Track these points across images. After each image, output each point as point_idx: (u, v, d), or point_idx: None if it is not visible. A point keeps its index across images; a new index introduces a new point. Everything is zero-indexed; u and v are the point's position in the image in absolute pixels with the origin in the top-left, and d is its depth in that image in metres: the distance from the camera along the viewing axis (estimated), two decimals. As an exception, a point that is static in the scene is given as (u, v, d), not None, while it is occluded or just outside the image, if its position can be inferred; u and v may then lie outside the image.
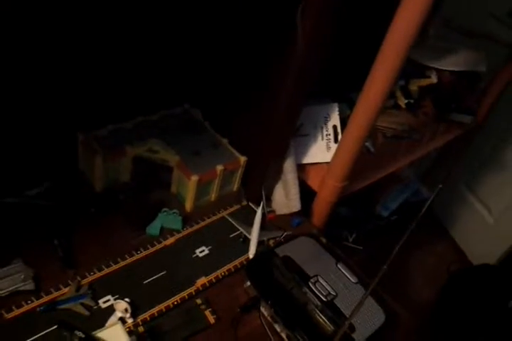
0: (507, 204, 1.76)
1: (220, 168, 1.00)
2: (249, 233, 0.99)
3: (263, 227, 1.02)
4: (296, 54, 0.80)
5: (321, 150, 1.09)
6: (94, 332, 0.68)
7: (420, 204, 1.67)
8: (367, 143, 1.17)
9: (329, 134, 1.09)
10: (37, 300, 0.79)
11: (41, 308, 0.78)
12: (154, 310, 0.82)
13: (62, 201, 0.95)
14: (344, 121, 1.13)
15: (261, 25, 0.88)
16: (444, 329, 1.72)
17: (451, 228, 2.06)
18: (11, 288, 0.79)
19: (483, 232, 1.91)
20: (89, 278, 0.85)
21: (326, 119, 1.10)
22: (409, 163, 1.25)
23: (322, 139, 1.09)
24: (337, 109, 1.09)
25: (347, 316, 0.84)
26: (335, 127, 1.09)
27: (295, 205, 1.05)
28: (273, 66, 0.86)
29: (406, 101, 1.32)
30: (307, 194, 1.10)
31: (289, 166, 1.04)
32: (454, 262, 1.98)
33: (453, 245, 2.05)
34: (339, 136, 1.08)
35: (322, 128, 1.10)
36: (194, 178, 0.96)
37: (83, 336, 0.66)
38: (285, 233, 1.01)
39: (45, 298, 0.80)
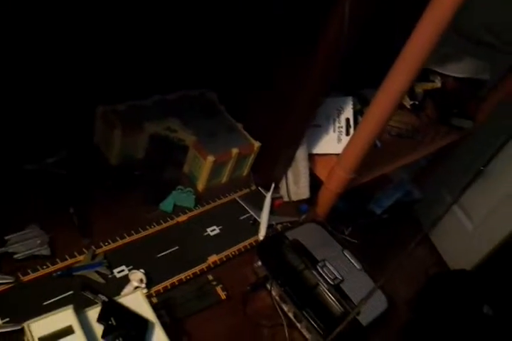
0: (487, 211, 1.82)
1: (235, 150, 1.02)
2: (259, 216, 1.01)
3: (271, 212, 1.04)
4: (330, 39, 0.82)
5: (332, 142, 1.12)
6: (115, 298, 0.70)
7: (411, 204, 1.73)
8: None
9: (341, 127, 1.12)
10: (52, 265, 0.80)
11: (57, 273, 0.78)
12: (167, 283, 0.84)
13: (78, 171, 0.96)
14: (355, 115, 1.17)
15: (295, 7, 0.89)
16: (418, 330, 1.77)
17: (431, 233, 2.11)
18: (27, 252, 0.79)
19: (462, 238, 1.96)
20: (104, 248, 0.85)
21: (340, 112, 1.13)
22: (412, 161, 1.29)
23: (334, 131, 1.12)
24: (351, 102, 1.12)
25: (352, 300, 0.87)
26: (347, 120, 1.12)
27: (304, 193, 1.08)
28: (303, 53, 0.88)
29: (411, 102, 1.36)
30: (312, 184, 1.13)
31: (301, 155, 1.07)
32: (432, 266, 2.05)
33: (432, 249, 2.11)
34: (351, 129, 1.11)
35: (335, 120, 1.13)
36: (210, 158, 0.98)
37: (106, 299, 0.67)
38: (302, 217, 1.04)
39: (61, 264, 0.80)
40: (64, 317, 0.63)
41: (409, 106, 1.38)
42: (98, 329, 0.65)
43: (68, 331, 0.62)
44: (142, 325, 0.67)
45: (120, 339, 0.63)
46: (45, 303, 0.74)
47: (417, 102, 1.36)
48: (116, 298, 0.70)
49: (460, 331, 1.77)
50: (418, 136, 1.33)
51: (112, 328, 0.64)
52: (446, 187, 1.99)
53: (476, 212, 1.89)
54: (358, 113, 1.18)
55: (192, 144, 1.02)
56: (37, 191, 0.90)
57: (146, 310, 0.70)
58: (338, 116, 1.13)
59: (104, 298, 0.68)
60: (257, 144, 1.06)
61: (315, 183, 1.13)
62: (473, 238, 1.91)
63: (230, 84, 1.13)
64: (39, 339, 0.60)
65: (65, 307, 0.64)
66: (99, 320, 0.65)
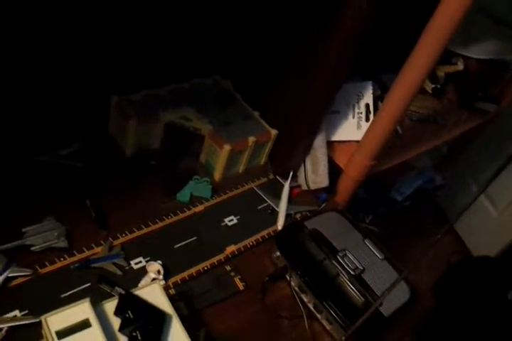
0: (512, 197, 1.78)
1: (252, 139, 1.00)
2: (277, 205, 1.00)
3: (289, 201, 1.02)
4: (349, 18, 0.79)
5: (351, 128, 1.09)
6: (132, 290, 0.69)
7: (433, 191, 1.69)
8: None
9: (361, 112, 1.09)
10: (70, 257, 0.79)
11: (75, 265, 0.78)
12: (185, 274, 0.83)
13: (93, 162, 0.95)
14: (375, 101, 1.13)
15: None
16: (442, 318, 1.74)
17: (456, 221, 2.07)
18: (44, 244, 0.79)
19: (486, 225, 1.92)
20: (121, 240, 0.85)
21: (359, 97, 1.09)
22: (434, 147, 1.25)
23: (353, 117, 1.09)
24: (371, 87, 1.08)
25: (374, 290, 0.85)
26: (367, 106, 1.09)
27: (323, 181, 1.05)
28: (318, 35, 0.85)
29: (433, 86, 1.32)
30: (332, 172, 1.11)
31: (319, 142, 1.04)
32: (455, 253, 2.01)
33: (455, 236, 2.07)
34: (371, 115, 1.08)
35: (354, 106, 1.09)
36: (227, 147, 0.96)
37: (123, 292, 0.66)
38: (321, 206, 1.02)
39: (78, 256, 0.80)
40: (81, 310, 0.63)
41: (430, 91, 1.33)
42: (115, 322, 0.64)
43: (85, 324, 0.62)
44: (159, 318, 0.66)
45: (137, 332, 0.63)
46: (63, 296, 0.74)
47: (438, 86, 1.32)
48: (133, 290, 0.69)
49: (484, 318, 1.74)
50: (440, 120, 1.29)
51: (129, 321, 0.64)
52: (470, 174, 1.94)
53: (501, 198, 1.84)
54: (378, 99, 1.14)
55: (208, 133, 1.00)
56: (53, 183, 0.89)
57: (163, 303, 0.69)
58: (358, 101, 1.10)
59: (121, 290, 0.67)
60: (273, 132, 1.04)
61: (334, 171, 1.11)
62: (497, 224, 1.87)
63: (245, 71, 1.10)
64: (56, 332, 0.60)
65: (81, 301, 0.64)
66: (116, 313, 0.64)
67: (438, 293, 1.79)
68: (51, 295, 0.73)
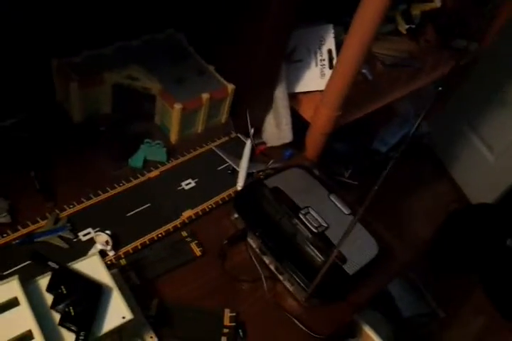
0: (509, 142, 1.71)
1: (205, 96, 0.93)
2: (238, 165, 0.94)
3: (252, 160, 0.97)
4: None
5: (314, 78, 1.01)
6: (69, 264, 0.65)
7: (420, 139, 1.62)
8: (364, 70, 1.09)
9: (324, 59, 1.01)
10: (13, 233, 0.75)
11: (17, 241, 0.74)
12: (137, 243, 0.79)
13: (38, 132, 0.89)
14: (339, 46, 1.05)
15: None
16: (440, 267, 1.72)
17: (451, 168, 2.02)
18: (-16, 221, 0.75)
19: (483, 171, 1.87)
20: (69, 211, 0.80)
21: (321, 43, 1.01)
22: (409, 92, 1.17)
23: (316, 65, 1.01)
24: (332, 30, 1.00)
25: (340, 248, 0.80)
26: (330, 51, 1.01)
27: (286, 136, 0.99)
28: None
29: (407, 26, 1.22)
30: (301, 126, 1.04)
31: (279, 94, 0.97)
32: (453, 201, 1.96)
33: (452, 185, 2.02)
34: (334, 61, 1.00)
35: (316, 53, 1.01)
36: (177, 106, 0.90)
37: (56, 267, 0.62)
38: (271, 161, 0.96)
39: (22, 231, 0.76)
40: (8, 288, 0.59)
41: (405, 31, 1.24)
42: (49, 298, 0.60)
43: (13, 303, 0.58)
44: (95, 292, 0.62)
45: (70, 308, 0.59)
46: (5, 273, 0.71)
47: (413, 26, 1.22)
48: (70, 263, 0.65)
49: (483, 264, 1.72)
50: (416, 63, 1.20)
51: (62, 297, 0.60)
52: (463, 119, 1.86)
53: (497, 144, 1.78)
54: (342, 43, 1.05)
55: (158, 92, 0.93)
56: (-4, 156, 0.84)
57: (103, 275, 0.65)
58: (320, 47, 1.02)
59: (54, 265, 0.63)
60: (230, 86, 0.97)
61: (302, 126, 1.04)
62: (494, 170, 1.82)
63: (198, 23, 1.02)
64: (-19, 313, 0.56)
65: (9, 278, 0.60)
66: (48, 289, 0.60)
67: (437, 240, 1.77)
68: (-8, 273, 0.70)
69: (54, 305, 0.59)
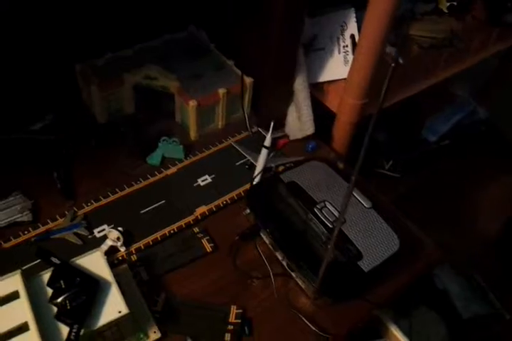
0: None
1: (222, 91, 0.92)
2: (256, 160, 0.92)
3: (273, 154, 0.94)
4: None
5: (338, 65, 0.97)
6: (72, 259, 0.67)
7: (476, 126, 1.48)
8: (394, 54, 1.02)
9: (347, 46, 0.96)
10: (34, 230, 0.79)
11: (35, 238, 0.78)
12: (149, 239, 0.80)
13: (64, 134, 0.93)
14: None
15: None
16: (507, 264, 1.58)
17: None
18: (9, 219, 0.80)
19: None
20: (86, 209, 0.83)
21: (343, 28, 0.96)
22: (451, 76, 1.08)
23: (339, 52, 0.97)
24: (354, 14, 0.94)
25: (355, 243, 0.76)
26: (353, 37, 0.95)
27: (308, 128, 0.95)
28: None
29: (448, 4, 1.13)
30: (326, 117, 1.00)
31: (299, 86, 0.93)
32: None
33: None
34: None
35: (339, 39, 0.96)
36: (192, 103, 0.90)
37: (58, 262, 0.64)
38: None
39: (42, 229, 0.80)
40: (11, 282, 0.62)
41: (446, 10, 1.14)
42: (50, 293, 0.62)
43: (13, 296, 0.61)
44: (93, 286, 0.63)
45: (66, 302, 0.60)
46: (23, 268, 0.74)
47: (455, 3, 1.12)
48: (73, 259, 0.67)
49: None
50: (460, 43, 1.10)
51: (60, 291, 0.62)
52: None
53: None
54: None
55: (176, 90, 0.94)
56: (23, 159, 0.89)
57: (104, 271, 0.66)
58: (342, 33, 0.97)
59: (56, 260, 0.65)
60: (248, 80, 0.95)
61: (328, 117, 1.00)
62: None
63: (219, 20, 1.01)
64: (-17, 306, 0.59)
65: (13, 273, 0.63)
66: (48, 283, 0.63)
67: (504, 238, 1.62)
68: (11, 269, 0.73)
69: (52, 299, 0.61)
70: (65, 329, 0.60)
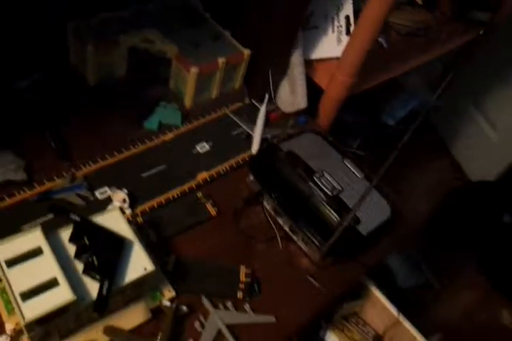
0: (512, 119, 1.70)
1: (222, 60, 0.93)
2: (252, 130, 0.94)
3: (266, 125, 0.97)
4: None
5: (331, 44, 1.01)
6: (90, 217, 0.66)
7: (429, 114, 1.61)
8: (380, 39, 1.09)
9: (341, 26, 1.00)
10: (30, 190, 0.76)
11: (35, 198, 0.75)
12: (154, 202, 0.80)
13: (53, 93, 0.89)
14: (356, 14, 1.04)
15: None
16: (437, 242, 1.74)
17: (452, 145, 2.01)
18: (1, 178, 0.76)
19: (485, 149, 1.86)
20: (84, 170, 0.81)
21: (339, 9, 1.00)
22: (425, 62, 1.17)
23: (333, 31, 1.01)
24: (350, -4, 0.99)
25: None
26: (347, 17, 1.00)
27: (301, 102, 0.99)
28: None
29: (424, -4, 1.21)
30: (313, 94, 1.04)
31: (296, 60, 0.97)
32: (453, 179, 1.97)
33: (453, 162, 2.02)
34: (351, 28, 0.99)
35: (333, 19, 1.00)
36: (194, 70, 0.89)
37: (78, 219, 0.63)
38: (289, 123, 0.96)
39: (38, 189, 0.76)
40: (32, 238, 0.60)
41: (421, 2, 1.22)
42: (71, 249, 0.61)
43: (37, 252, 0.59)
44: (118, 243, 0.63)
45: (93, 257, 0.60)
46: (24, 226, 0.72)
47: (429, -4, 1.21)
48: (91, 217, 0.66)
49: (480, 239, 1.75)
50: (431, 34, 1.19)
51: (85, 248, 0.61)
52: (467, 96, 1.84)
53: (501, 121, 1.77)
54: (360, 10, 1.05)
55: (174, 55, 0.93)
56: (11, 116, 0.84)
57: (124, 229, 0.66)
58: (337, 14, 1.01)
59: (76, 217, 0.64)
60: (246, 52, 0.96)
61: (315, 94, 1.04)
62: (496, 148, 1.81)
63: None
64: (6, 262, 0.57)
65: (33, 229, 0.61)
66: (71, 239, 0.61)
67: (435, 218, 1.78)
68: (11, 227, 0.70)
69: (77, 255, 0.60)
70: (92, 285, 0.59)
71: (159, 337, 0.66)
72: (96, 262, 0.60)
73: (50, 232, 0.62)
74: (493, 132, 1.80)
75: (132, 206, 0.78)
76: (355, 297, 1.00)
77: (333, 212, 0.78)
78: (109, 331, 0.65)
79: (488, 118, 1.81)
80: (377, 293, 0.97)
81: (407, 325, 0.97)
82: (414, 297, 1.56)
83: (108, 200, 0.78)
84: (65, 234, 0.63)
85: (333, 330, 1.00)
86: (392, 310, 0.99)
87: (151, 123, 0.90)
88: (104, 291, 0.58)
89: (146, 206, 0.79)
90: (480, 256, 1.76)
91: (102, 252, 0.61)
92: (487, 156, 1.86)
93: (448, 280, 1.64)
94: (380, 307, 0.98)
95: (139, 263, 0.63)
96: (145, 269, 0.63)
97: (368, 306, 1.02)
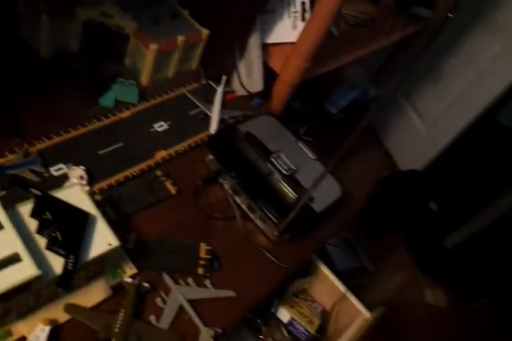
0: (439, 112, 1.81)
1: (181, 38, 0.92)
2: (210, 111, 0.95)
3: (223, 106, 0.98)
4: None
5: (286, 29, 1.03)
6: (50, 192, 0.64)
7: (368, 103, 1.69)
8: (331, 27, 1.12)
9: (296, 12, 1.02)
10: (-20, 165, 0.73)
11: (-14, 173, 0.72)
12: (112, 180, 0.79)
13: (2, 64, 0.84)
14: (312, 0, 1.07)
15: None
16: (370, 227, 1.85)
17: (384, 135, 2.11)
18: (-51, 152, 0.72)
19: (413, 140, 1.97)
20: (38, 146, 0.78)
21: (295, -5, 1.02)
22: (370, 52, 1.22)
23: (289, 17, 1.03)
24: (307, -18, 1.01)
25: (307, 189, 0.85)
26: (303, 3, 1.02)
27: (257, 85, 1.01)
28: None
29: (370, -12, 1.26)
30: (268, 78, 1.06)
31: (254, 43, 0.98)
32: (385, 168, 2.08)
33: (385, 152, 2.13)
34: (307, 14, 1.02)
35: (289, 4, 1.02)
36: (153, 47, 0.88)
37: (40, 194, 0.61)
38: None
39: (-10, 164, 0.73)
40: (-9, 212, 0.58)
41: (367, -6, 1.27)
42: (32, 224, 0.60)
43: (-4, 226, 0.57)
44: (81, 218, 0.62)
45: (57, 233, 0.59)
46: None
47: (375, -11, 1.26)
48: (51, 192, 0.64)
49: (408, 224, 1.88)
50: (375, 26, 1.25)
51: (48, 222, 0.59)
52: (398, 88, 1.93)
53: (429, 114, 1.87)
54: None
55: (132, 31, 0.91)
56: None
57: (86, 205, 0.65)
58: (294, -1, 1.03)
59: (37, 191, 0.62)
60: (205, 31, 0.96)
61: (269, 78, 1.06)
62: (424, 139, 1.92)
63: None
64: (-37, 238, 0.55)
65: (-10, 202, 0.59)
66: (33, 214, 0.60)
67: (368, 205, 1.88)
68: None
69: (40, 230, 0.59)
70: (54, 261, 0.58)
71: (121, 314, 0.66)
72: (60, 237, 0.59)
73: (8, 207, 0.60)
74: (422, 124, 1.91)
75: (90, 184, 0.77)
76: (305, 274, 1.05)
77: (290, 190, 0.81)
78: (70, 309, 0.64)
79: (417, 111, 1.91)
80: (325, 270, 1.02)
81: (353, 300, 1.03)
82: (350, 279, 1.64)
83: (64, 177, 0.76)
84: (24, 209, 0.61)
85: (285, 306, 1.04)
86: (340, 286, 1.04)
87: (107, 100, 0.88)
88: (70, 266, 0.58)
89: (104, 184, 0.78)
90: (408, 241, 1.88)
91: (66, 227, 0.60)
92: (416, 147, 1.97)
93: (380, 263, 1.74)
94: (328, 284, 1.03)
95: (103, 239, 0.63)
96: (109, 244, 0.62)
97: (316, 283, 1.07)
